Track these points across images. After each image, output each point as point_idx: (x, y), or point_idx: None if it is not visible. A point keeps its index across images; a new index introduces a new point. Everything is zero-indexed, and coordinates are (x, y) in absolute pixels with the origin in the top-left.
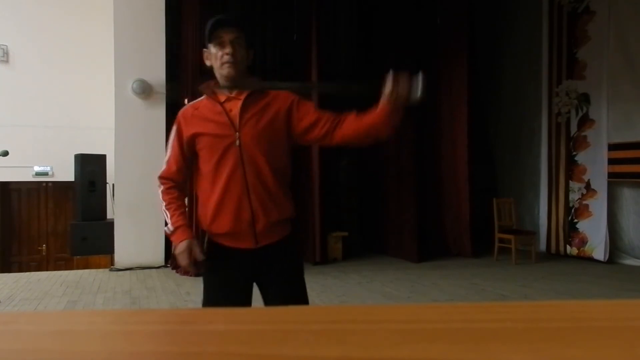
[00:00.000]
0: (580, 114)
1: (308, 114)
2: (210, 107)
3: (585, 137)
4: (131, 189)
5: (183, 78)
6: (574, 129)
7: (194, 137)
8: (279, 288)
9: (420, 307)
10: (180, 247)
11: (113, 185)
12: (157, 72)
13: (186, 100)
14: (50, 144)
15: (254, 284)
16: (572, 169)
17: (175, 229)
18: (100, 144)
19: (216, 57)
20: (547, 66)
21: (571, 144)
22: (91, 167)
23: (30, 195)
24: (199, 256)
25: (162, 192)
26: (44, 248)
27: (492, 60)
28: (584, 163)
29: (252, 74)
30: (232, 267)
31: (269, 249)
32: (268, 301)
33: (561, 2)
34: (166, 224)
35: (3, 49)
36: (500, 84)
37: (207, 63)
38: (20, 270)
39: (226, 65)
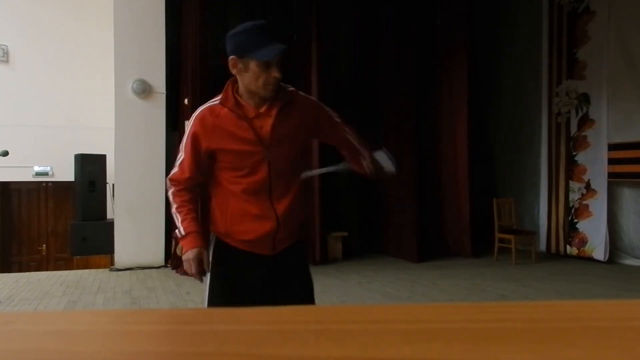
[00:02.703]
0: (580, 114)
1: (333, 135)
2: (235, 121)
3: (585, 137)
4: (131, 189)
5: (183, 78)
6: (574, 129)
7: (216, 151)
8: (291, 290)
9: (420, 307)
10: (189, 254)
11: (113, 185)
12: (157, 72)
13: (186, 100)
14: (50, 144)
15: (264, 288)
16: (572, 169)
17: (187, 234)
18: (100, 144)
19: (258, 76)
20: (547, 66)
21: (571, 144)
22: (91, 167)
23: (30, 195)
24: (206, 267)
25: (173, 193)
26: (44, 248)
27: (492, 60)
28: (584, 163)
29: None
30: (245, 271)
31: (284, 254)
32: (277, 303)
33: (561, 2)
34: (176, 227)
35: (3, 49)
36: (500, 84)
37: (234, 71)
38: (20, 270)
39: (270, 87)
